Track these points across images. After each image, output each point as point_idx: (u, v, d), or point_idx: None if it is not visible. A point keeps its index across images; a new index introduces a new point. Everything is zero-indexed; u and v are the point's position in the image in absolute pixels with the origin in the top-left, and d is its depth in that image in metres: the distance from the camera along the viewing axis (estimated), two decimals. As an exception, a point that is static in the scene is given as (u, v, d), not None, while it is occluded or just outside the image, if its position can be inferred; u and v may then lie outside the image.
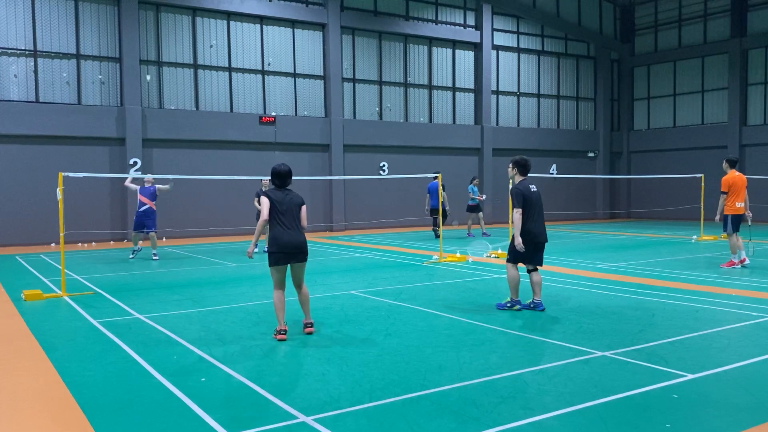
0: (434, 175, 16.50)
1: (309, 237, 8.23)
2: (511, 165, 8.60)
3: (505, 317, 8.06)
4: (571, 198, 30.38)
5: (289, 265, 7.13)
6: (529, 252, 8.36)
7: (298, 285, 7.27)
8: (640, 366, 5.82)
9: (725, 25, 28.44)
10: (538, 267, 8.56)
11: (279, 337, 6.97)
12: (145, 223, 14.77)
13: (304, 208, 7.30)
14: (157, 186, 14.96)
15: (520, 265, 8.57)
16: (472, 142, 27.37)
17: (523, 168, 8.51)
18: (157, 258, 14.93)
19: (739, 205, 12.49)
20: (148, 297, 9.86)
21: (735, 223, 12.48)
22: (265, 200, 7.10)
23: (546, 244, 8.58)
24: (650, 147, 31.12)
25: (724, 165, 12.82)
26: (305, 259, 7.19)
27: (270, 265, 7.09)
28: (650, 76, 31.39)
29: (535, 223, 8.35)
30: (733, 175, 12.55)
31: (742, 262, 12.46)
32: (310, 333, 7.21)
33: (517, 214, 8.26)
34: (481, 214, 20.62)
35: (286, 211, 7.11)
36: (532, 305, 8.50)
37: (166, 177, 13.61)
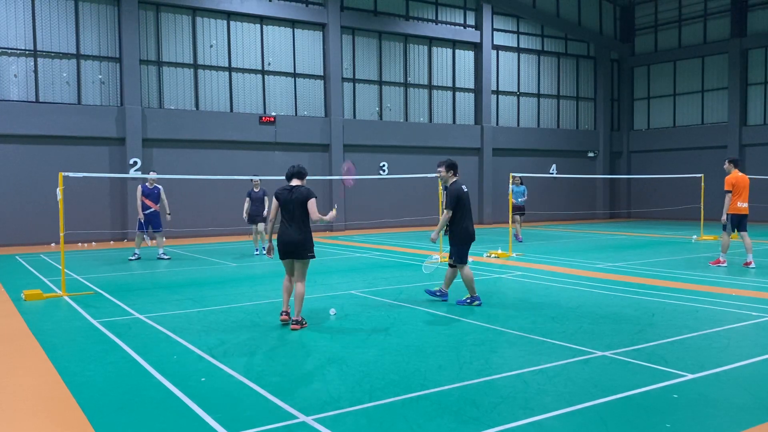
0: (434, 175, 16.51)
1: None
2: (444, 167, 8.90)
3: (504, 317, 8.06)
4: (571, 198, 30.37)
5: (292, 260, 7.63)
6: (468, 249, 8.82)
7: (296, 280, 7.65)
8: (640, 366, 5.82)
9: (725, 25, 28.43)
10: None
11: (281, 317, 7.66)
12: (152, 222, 14.59)
13: (311, 201, 7.53)
14: (162, 191, 14.72)
15: (444, 260, 8.90)
16: (472, 142, 27.36)
17: (455, 168, 8.92)
18: (168, 257, 14.85)
19: (741, 205, 12.53)
20: (148, 297, 9.86)
21: (734, 222, 12.50)
22: (274, 200, 7.68)
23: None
24: (650, 147, 31.11)
25: (727, 165, 12.83)
26: (300, 257, 7.55)
27: (280, 258, 7.72)
28: (650, 76, 31.39)
29: (470, 223, 8.76)
30: (736, 174, 12.57)
31: (718, 261, 12.66)
32: (294, 329, 7.44)
33: (448, 214, 8.69)
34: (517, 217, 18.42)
35: (287, 210, 7.57)
36: (438, 293, 9.09)
37: (166, 177, 13.61)
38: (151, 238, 15.78)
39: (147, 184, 14.71)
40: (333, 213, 7.64)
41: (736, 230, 12.61)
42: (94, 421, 4.61)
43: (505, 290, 10.20)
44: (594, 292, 9.79)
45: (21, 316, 8.44)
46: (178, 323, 7.87)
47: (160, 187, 14.85)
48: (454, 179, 8.87)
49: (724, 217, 12.69)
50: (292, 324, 7.52)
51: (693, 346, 6.53)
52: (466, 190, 8.83)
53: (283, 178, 7.95)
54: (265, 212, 15.29)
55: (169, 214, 15.08)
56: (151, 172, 15.66)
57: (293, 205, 7.51)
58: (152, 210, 14.60)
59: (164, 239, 15.34)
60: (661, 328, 7.36)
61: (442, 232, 9.20)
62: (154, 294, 10.19)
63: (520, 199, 18.16)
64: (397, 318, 8.05)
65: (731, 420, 4.55)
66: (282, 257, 7.63)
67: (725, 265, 12.55)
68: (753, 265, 12.42)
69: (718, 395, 5.06)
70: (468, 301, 8.90)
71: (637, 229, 23.82)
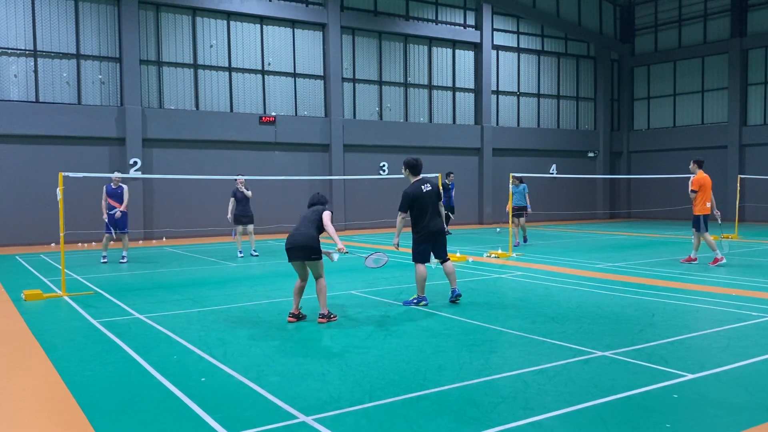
0: (434, 175, 16.43)
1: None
2: (403, 167, 8.93)
3: (504, 317, 8.06)
4: (571, 198, 30.37)
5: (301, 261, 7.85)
6: (429, 248, 8.81)
7: (315, 278, 7.99)
8: (640, 366, 5.82)
9: (725, 25, 28.43)
10: (447, 258, 8.96)
11: (288, 319, 7.84)
12: (117, 224, 14.08)
13: (326, 214, 7.96)
14: (126, 190, 14.30)
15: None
16: (472, 142, 27.37)
17: (414, 168, 8.83)
18: (125, 261, 14.32)
19: (709, 205, 12.86)
20: (148, 297, 9.86)
21: (706, 222, 12.80)
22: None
23: (444, 236, 8.89)
24: (650, 147, 31.11)
25: (692, 166, 13.07)
26: (306, 258, 7.78)
27: None
28: (650, 76, 31.39)
29: (430, 221, 8.69)
30: (702, 175, 12.88)
31: (716, 260, 12.79)
32: (321, 323, 7.77)
33: (399, 217, 8.86)
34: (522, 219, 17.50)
35: (304, 216, 8.06)
36: (451, 295, 8.95)
37: (166, 177, 13.59)
38: (117, 239, 14.99)
39: (111, 184, 14.20)
40: (335, 255, 8.01)
41: (698, 230, 12.87)
42: (94, 421, 4.61)
43: (505, 290, 10.20)
44: (594, 292, 9.79)
45: (21, 316, 8.44)
46: (178, 323, 7.87)
47: (124, 186, 14.33)
48: (415, 179, 8.80)
49: (717, 212, 13.07)
50: (319, 318, 7.82)
51: (693, 346, 6.53)
52: (427, 189, 8.69)
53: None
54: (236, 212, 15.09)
55: (122, 211, 14.25)
56: (115, 172, 15.19)
57: (309, 213, 8.05)
58: (116, 210, 14.08)
59: (128, 241, 14.79)
60: (661, 328, 7.36)
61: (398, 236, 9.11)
62: (154, 294, 10.19)
63: (521, 200, 17.35)
64: (397, 318, 8.05)
65: (731, 420, 4.55)
66: (289, 257, 7.89)
67: (724, 261, 12.72)
68: (697, 261, 12.94)
69: (718, 395, 5.06)
70: (414, 301, 8.87)
71: (637, 229, 23.82)
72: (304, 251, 7.73)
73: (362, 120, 24.97)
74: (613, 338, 6.87)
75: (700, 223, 12.78)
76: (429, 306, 8.80)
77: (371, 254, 8.53)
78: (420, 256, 8.85)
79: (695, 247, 13.13)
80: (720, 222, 14.42)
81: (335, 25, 23.91)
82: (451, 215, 19.13)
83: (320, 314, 7.84)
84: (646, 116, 31.62)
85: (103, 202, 14.17)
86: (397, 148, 25.46)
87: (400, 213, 8.81)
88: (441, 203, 8.96)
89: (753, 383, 5.33)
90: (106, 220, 14.14)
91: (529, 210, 17.53)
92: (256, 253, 15.39)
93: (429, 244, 8.82)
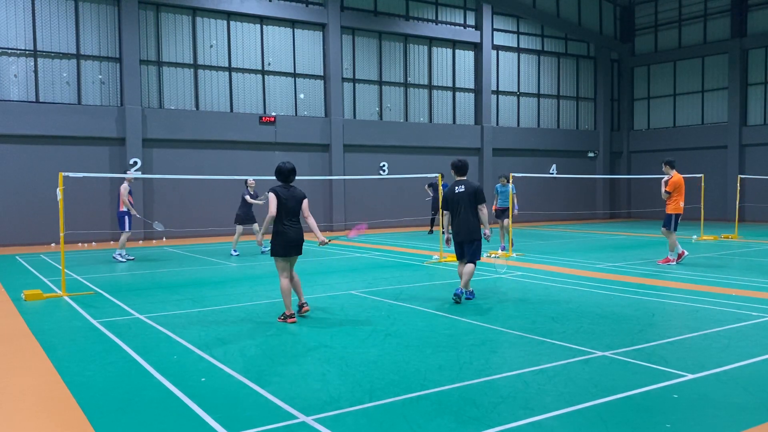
0: (434, 175, 16.44)
1: (308, 237, 8.44)
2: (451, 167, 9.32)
3: (504, 317, 8.07)
4: (571, 198, 30.37)
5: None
6: (459, 247, 9.11)
7: (293, 272, 8.01)
8: (640, 366, 5.82)
9: (725, 25, 28.43)
10: (473, 261, 9.13)
11: (290, 320, 7.73)
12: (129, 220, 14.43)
13: (305, 201, 8.01)
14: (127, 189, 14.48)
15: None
16: (472, 142, 27.37)
17: (457, 169, 9.15)
18: (128, 259, 14.62)
19: (683, 205, 12.99)
20: (148, 297, 9.86)
21: (677, 221, 12.90)
22: (273, 197, 7.72)
23: (472, 239, 9.01)
24: (650, 147, 31.10)
25: (665, 168, 13.14)
26: (301, 253, 7.99)
27: (278, 256, 7.79)
28: (650, 76, 31.39)
29: (460, 222, 8.99)
30: (678, 176, 13.00)
31: (681, 255, 12.92)
32: (306, 311, 8.05)
33: (443, 214, 9.27)
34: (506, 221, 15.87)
35: (290, 208, 7.80)
36: (467, 295, 9.20)
37: (166, 177, 13.59)
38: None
39: (127, 183, 14.48)
40: (324, 239, 8.06)
41: (668, 228, 12.96)
42: (94, 421, 4.61)
43: (505, 290, 10.20)
44: (594, 292, 9.79)
45: (21, 316, 8.44)
46: (178, 323, 7.87)
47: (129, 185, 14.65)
48: (459, 178, 9.17)
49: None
50: (304, 307, 8.04)
51: (693, 346, 6.53)
52: (460, 190, 9.01)
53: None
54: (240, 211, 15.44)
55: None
56: (130, 170, 15.17)
57: (296, 203, 7.87)
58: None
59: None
60: (661, 328, 7.36)
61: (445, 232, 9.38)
62: (154, 294, 10.19)
63: (505, 201, 15.80)
64: (397, 318, 8.05)
65: (731, 420, 4.55)
66: (288, 254, 7.80)
67: (674, 263, 12.86)
68: (674, 263, 12.94)
69: (718, 395, 5.06)
70: (458, 293, 9.12)
71: (637, 229, 23.82)
72: (301, 245, 7.95)
73: (362, 120, 24.97)
74: (613, 338, 6.87)
75: (671, 222, 12.88)
76: (429, 306, 8.80)
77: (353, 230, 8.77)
78: (456, 254, 9.28)
79: (674, 247, 13.06)
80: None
81: (335, 25, 23.91)
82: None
83: (304, 303, 8.10)
84: (646, 116, 31.62)
85: (127, 199, 14.34)
86: (397, 148, 25.47)
87: (443, 211, 9.28)
88: (483, 205, 9.09)
89: (753, 383, 5.33)
90: (127, 218, 14.38)
91: (516, 212, 15.99)
92: (266, 249, 15.50)
93: (458, 243, 9.11)
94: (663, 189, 13.06)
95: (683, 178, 13.15)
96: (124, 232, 14.53)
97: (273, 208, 7.71)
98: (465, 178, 9.19)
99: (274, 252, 7.81)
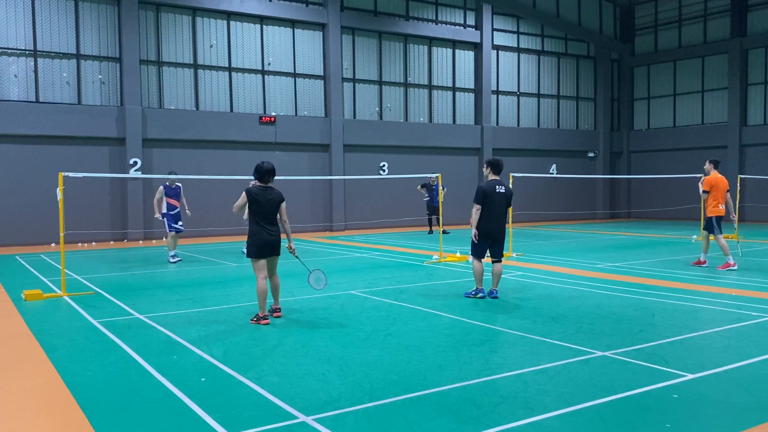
0: (427, 176, 16.47)
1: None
2: (485, 165, 9.46)
3: (504, 317, 8.07)
4: (571, 198, 30.37)
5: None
6: (488, 245, 9.27)
7: (271, 275, 7.97)
8: (640, 366, 5.82)
9: (725, 25, 28.43)
10: (500, 259, 9.44)
11: (263, 322, 7.65)
12: (178, 221, 14.23)
13: (283, 204, 7.97)
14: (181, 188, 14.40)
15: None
16: (472, 142, 27.37)
17: (495, 167, 9.30)
18: (179, 260, 14.51)
19: (722, 207, 12.48)
20: (148, 297, 9.86)
21: (719, 223, 12.46)
22: (243, 197, 7.72)
23: (503, 238, 9.38)
24: (650, 147, 31.11)
25: (708, 166, 12.58)
26: (279, 254, 7.88)
27: (253, 257, 7.75)
28: (650, 76, 31.39)
29: (495, 220, 9.15)
30: (716, 176, 12.42)
31: (699, 262, 12.78)
32: (278, 317, 7.98)
33: (474, 209, 9.14)
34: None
35: (265, 209, 7.72)
36: (488, 294, 9.43)
37: (166, 177, 13.59)
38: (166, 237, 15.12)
39: (167, 183, 14.26)
40: (293, 250, 8.03)
41: (710, 232, 12.59)
42: (94, 422, 4.61)
43: (505, 290, 10.19)
44: (594, 292, 9.79)
45: (21, 316, 8.44)
46: (178, 323, 7.87)
47: (180, 185, 14.45)
48: (493, 177, 9.28)
49: (733, 216, 13.12)
50: (275, 312, 8.00)
51: (693, 346, 6.53)
52: (500, 190, 9.15)
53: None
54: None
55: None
56: (171, 173, 14.74)
57: (271, 205, 7.80)
58: (177, 209, 14.28)
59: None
60: (661, 328, 7.36)
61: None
62: (154, 294, 10.19)
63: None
64: (397, 318, 8.05)
65: (731, 420, 4.55)
66: (263, 255, 7.72)
67: (735, 267, 12.23)
68: (707, 264, 12.72)
69: (718, 395, 5.06)
70: (473, 293, 9.44)
71: (637, 229, 23.82)
72: (278, 248, 7.88)
73: (362, 120, 24.97)
74: (613, 338, 6.87)
75: (712, 225, 12.39)
76: (429, 306, 8.80)
77: (314, 271, 8.57)
78: (477, 251, 9.33)
79: (704, 250, 12.77)
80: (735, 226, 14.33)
81: (335, 25, 23.90)
82: (435, 215, 19.01)
83: (277, 308, 8.05)
84: (646, 116, 31.62)
85: (158, 202, 14.11)
86: (397, 148, 25.47)
87: (475, 205, 9.16)
88: (510, 208, 9.45)
89: (753, 383, 5.33)
90: (167, 220, 14.15)
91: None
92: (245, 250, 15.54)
93: (488, 241, 9.23)
94: (701, 189, 12.71)
95: (721, 179, 12.42)
96: (169, 234, 14.35)
97: (237, 205, 7.77)
98: (499, 177, 9.34)
99: (249, 253, 7.76)
